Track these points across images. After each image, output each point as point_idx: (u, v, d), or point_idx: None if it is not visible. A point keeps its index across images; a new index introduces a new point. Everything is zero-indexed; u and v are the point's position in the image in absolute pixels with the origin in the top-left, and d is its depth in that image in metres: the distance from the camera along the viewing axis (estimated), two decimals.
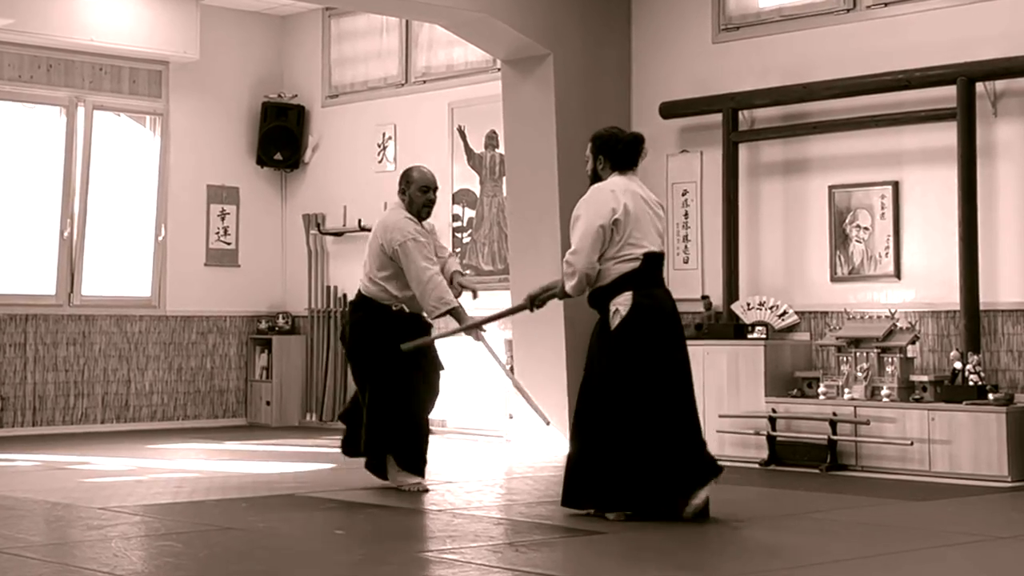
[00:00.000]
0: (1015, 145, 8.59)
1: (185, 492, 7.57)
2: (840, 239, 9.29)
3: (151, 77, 12.21)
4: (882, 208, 9.11)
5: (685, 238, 10.10)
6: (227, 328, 12.60)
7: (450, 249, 8.35)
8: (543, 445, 9.70)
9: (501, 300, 9.69)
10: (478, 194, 11.29)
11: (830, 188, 9.36)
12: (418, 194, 7.56)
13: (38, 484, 8.10)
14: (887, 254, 9.08)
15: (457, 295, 7.54)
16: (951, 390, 8.31)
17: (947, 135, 8.72)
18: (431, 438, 7.70)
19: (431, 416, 7.66)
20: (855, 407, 8.57)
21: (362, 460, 7.70)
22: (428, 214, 7.64)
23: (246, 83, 12.74)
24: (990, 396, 8.17)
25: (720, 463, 6.59)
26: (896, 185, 9.07)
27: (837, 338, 8.92)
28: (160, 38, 11.92)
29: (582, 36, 10.18)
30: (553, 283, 6.90)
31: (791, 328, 9.39)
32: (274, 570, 5.36)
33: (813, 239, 9.45)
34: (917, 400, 8.46)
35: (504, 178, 10.76)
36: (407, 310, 7.47)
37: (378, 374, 7.46)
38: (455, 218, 11.34)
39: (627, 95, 10.41)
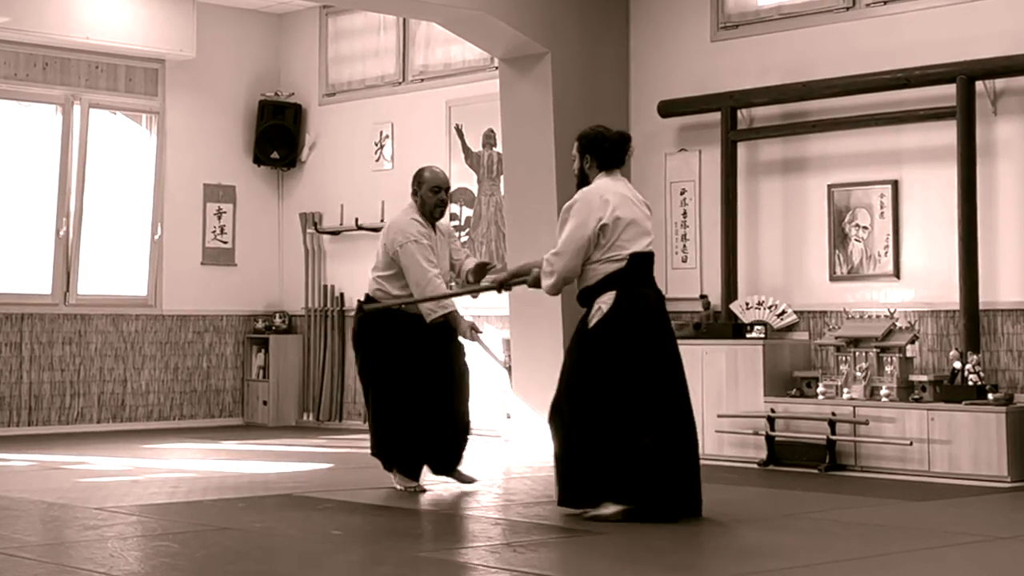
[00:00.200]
0: (1015, 144, 8.57)
1: (182, 492, 7.55)
2: (839, 238, 9.27)
3: (147, 75, 12.18)
4: (881, 207, 9.09)
5: (683, 237, 10.07)
6: (224, 327, 12.57)
7: (467, 251, 8.29)
8: (542, 445, 9.67)
9: (500, 299, 9.64)
10: (476, 193, 11.27)
11: (829, 187, 9.34)
12: (430, 195, 7.50)
13: (34, 484, 8.09)
14: (886, 253, 9.06)
15: (464, 280, 7.47)
16: (950, 390, 8.29)
17: (947, 134, 8.70)
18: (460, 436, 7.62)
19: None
20: (854, 407, 8.55)
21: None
22: (441, 215, 7.57)
23: (243, 81, 12.72)
24: (990, 396, 8.15)
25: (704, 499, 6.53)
26: (895, 184, 9.05)
27: (836, 338, 8.90)
28: (156, 36, 11.89)
29: (580, 34, 10.16)
30: (524, 268, 7.00)
31: (790, 328, 9.37)
32: (271, 570, 5.33)
33: (812, 238, 9.43)
34: (916, 400, 8.44)
35: (502, 177, 10.74)
36: (406, 310, 7.42)
37: (378, 375, 7.44)
38: (453, 217, 11.31)
39: (625, 94, 10.39)
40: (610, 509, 6.39)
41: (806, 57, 9.45)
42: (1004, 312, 8.56)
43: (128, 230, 12.16)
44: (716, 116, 9.74)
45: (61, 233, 11.68)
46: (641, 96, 10.32)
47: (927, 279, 8.89)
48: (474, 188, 11.27)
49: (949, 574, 5.44)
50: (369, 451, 7.64)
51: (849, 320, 8.99)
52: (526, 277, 6.87)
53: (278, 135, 12.61)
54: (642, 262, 6.55)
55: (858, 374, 8.70)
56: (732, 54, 9.86)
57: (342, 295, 12.30)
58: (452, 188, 11.20)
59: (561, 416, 6.54)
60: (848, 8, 9.30)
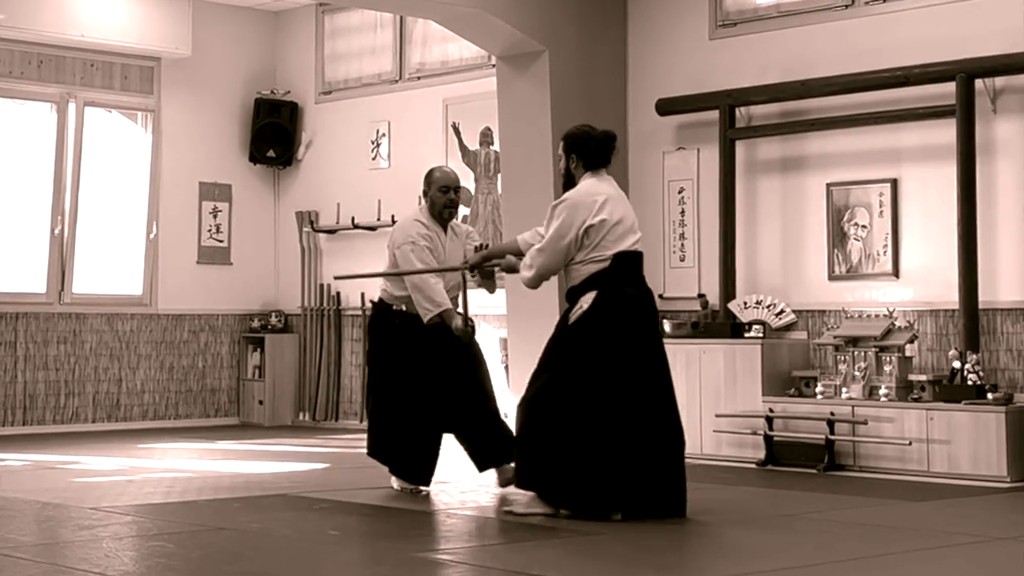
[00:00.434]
0: (1015, 142, 8.55)
1: (177, 492, 7.53)
2: (838, 237, 9.25)
3: (143, 73, 12.15)
4: (880, 206, 9.07)
5: (681, 236, 10.05)
6: (219, 326, 12.54)
7: None
8: None
9: (498, 298, 9.60)
10: (472, 191, 11.23)
11: (828, 186, 9.31)
12: (439, 195, 7.43)
13: (28, 484, 8.06)
14: (885, 252, 9.03)
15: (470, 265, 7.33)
16: (950, 390, 8.27)
17: (946, 132, 8.68)
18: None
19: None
20: (853, 407, 8.53)
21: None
22: (451, 215, 7.46)
23: (239, 79, 12.68)
24: (989, 396, 8.13)
25: (688, 506, 6.50)
26: (895, 183, 9.02)
27: (835, 337, 8.87)
28: (152, 34, 11.86)
29: (578, 32, 10.13)
30: (498, 251, 7.05)
31: (788, 327, 9.34)
32: (267, 571, 5.32)
33: (811, 237, 9.40)
34: (915, 400, 8.42)
35: (499, 175, 10.71)
36: (406, 310, 7.38)
37: (378, 376, 7.43)
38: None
39: (623, 92, 10.37)
40: (538, 509, 6.44)
41: (805, 55, 9.42)
42: (1004, 311, 8.54)
43: (123, 229, 12.13)
44: (714, 114, 9.71)
45: (56, 232, 11.64)
46: (639, 94, 10.29)
47: (926, 278, 8.87)
48: (471, 186, 11.24)
49: (948, 574, 5.41)
50: (365, 451, 7.61)
51: (848, 319, 8.96)
52: (500, 261, 6.95)
53: (274, 133, 12.58)
54: (627, 261, 6.54)
55: (857, 374, 8.68)
56: (730, 52, 9.83)
57: (338, 294, 12.27)
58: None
59: (526, 405, 6.55)
60: (847, 6, 9.27)
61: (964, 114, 8.52)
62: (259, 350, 12.49)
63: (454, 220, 7.54)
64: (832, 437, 8.52)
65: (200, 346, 12.42)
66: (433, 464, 7.41)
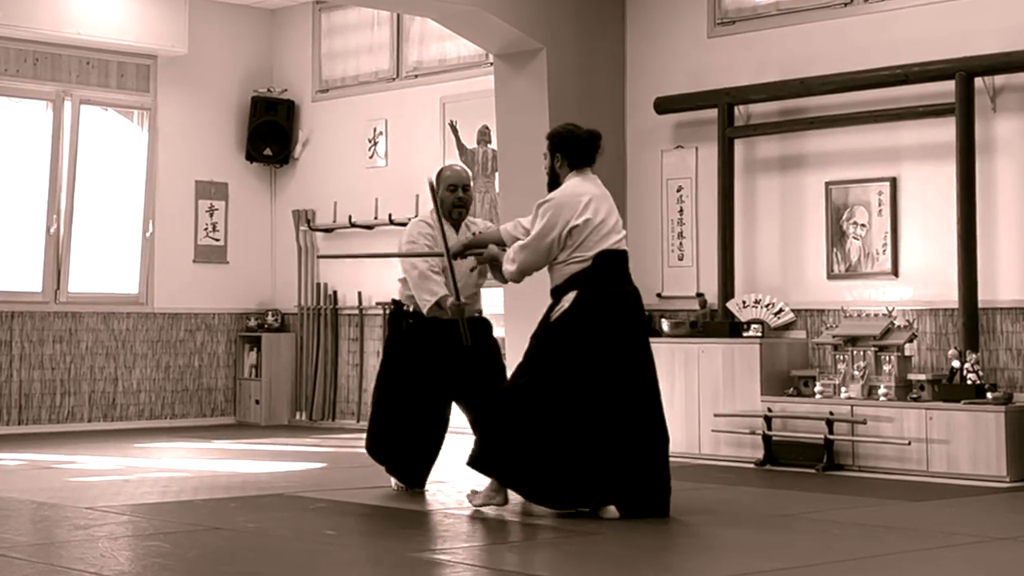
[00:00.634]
0: (1014, 141, 8.53)
1: (173, 492, 7.51)
2: (837, 236, 9.23)
3: (139, 71, 12.12)
4: (879, 205, 9.05)
5: (680, 235, 10.02)
6: (216, 326, 12.51)
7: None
8: None
9: (495, 297, 9.59)
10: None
11: (827, 184, 9.29)
12: (447, 193, 7.35)
13: (24, 483, 8.04)
14: (884, 251, 9.01)
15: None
16: (949, 389, 8.25)
17: (945, 131, 8.66)
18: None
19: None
20: (852, 406, 8.51)
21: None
22: (460, 214, 7.36)
23: (235, 77, 12.66)
24: (989, 395, 8.12)
25: (671, 507, 6.48)
26: (894, 181, 9.00)
27: (834, 336, 8.86)
28: (148, 32, 11.83)
29: (576, 30, 10.11)
30: (480, 240, 7.05)
31: (787, 326, 9.33)
32: (263, 571, 5.29)
33: (809, 236, 9.38)
34: (915, 399, 8.40)
35: (496, 174, 10.69)
36: (415, 310, 7.34)
37: (386, 374, 7.44)
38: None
39: (621, 90, 10.34)
40: (495, 498, 6.58)
41: (803, 53, 9.40)
42: (1003, 311, 8.52)
43: (119, 227, 12.10)
44: (713, 113, 9.69)
45: (52, 230, 11.61)
46: (637, 92, 10.27)
47: (926, 277, 8.85)
48: None
49: (947, 575, 5.40)
50: (364, 447, 7.59)
51: (847, 319, 8.94)
52: (481, 251, 6.97)
53: (271, 131, 12.55)
54: (609, 260, 6.54)
55: (856, 373, 8.66)
56: (729, 50, 9.81)
57: (335, 293, 12.25)
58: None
59: (500, 395, 6.58)
60: (846, 4, 9.25)
61: (963, 112, 8.50)
62: (255, 349, 12.47)
63: (469, 217, 7.46)
64: (831, 437, 8.50)
65: (196, 345, 12.39)
66: (428, 467, 7.39)
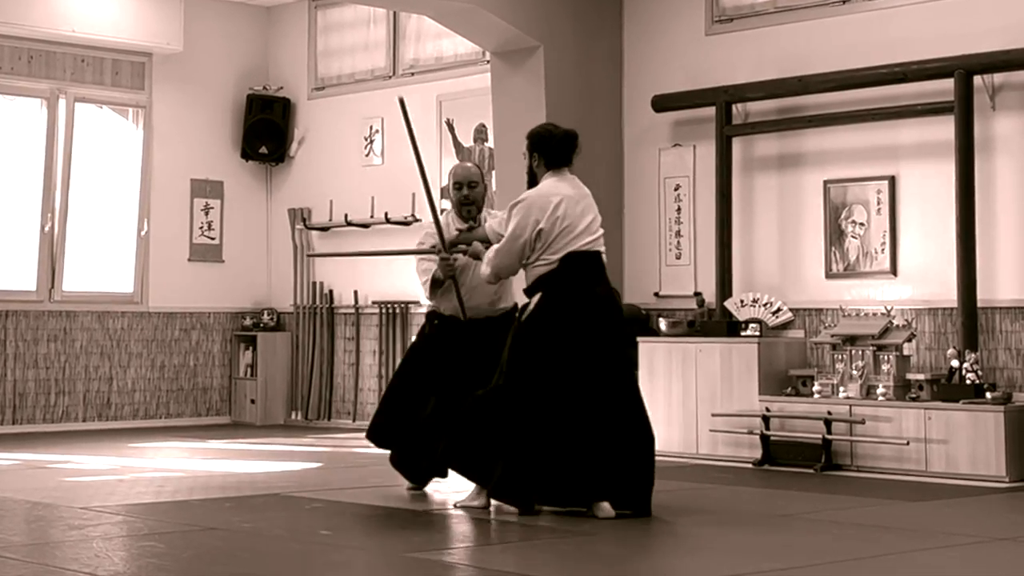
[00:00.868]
0: (1013, 139, 8.51)
1: (168, 491, 7.50)
2: (835, 235, 9.20)
3: (134, 69, 12.08)
4: (878, 203, 9.03)
5: (677, 234, 10.00)
6: (211, 325, 12.48)
7: None
8: None
9: None
10: None
11: (825, 183, 9.27)
12: (453, 192, 7.33)
13: (18, 483, 8.02)
14: (883, 250, 8.99)
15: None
16: (948, 389, 8.23)
17: (944, 129, 8.64)
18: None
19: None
20: (850, 406, 8.49)
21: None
22: (468, 213, 7.28)
23: (231, 75, 12.62)
24: (988, 395, 8.11)
25: (652, 504, 6.47)
26: (892, 180, 8.99)
27: (832, 336, 8.84)
28: (143, 29, 11.80)
29: (573, 28, 10.09)
30: (467, 237, 7.06)
31: (785, 325, 9.31)
32: (259, 571, 5.28)
33: (808, 235, 9.36)
34: (913, 399, 8.39)
35: (493, 172, 10.66)
36: (442, 312, 7.32)
37: (403, 366, 7.53)
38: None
39: (619, 88, 10.32)
40: (476, 500, 6.59)
41: (802, 51, 9.38)
42: (1002, 310, 8.50)
43: (114, 226, 12.08)
44: (711, 111, 9.67)
45: (46, 229, 11.58)
46: (634, 90, 10.25)
47: (924, 276, 8.83)
48: None
49: (946, 575, 5.38)
50: (365, 434, 7.60)
51: (845, 318, 8.92)
52: (466, 248, 7.01)
53: (266, 130, 12.53)
54: (579, 261, 6.52)
55: (854, 373, 8.63)
56: (727, 48, 9.79)
57: (331, 292, 12.22)
58: (443, 183, 11.15)
59: (475, 400, 6.60)
60: (844, 1, 9.23)
61: (963, 110, 8.48)
62: (251, 348, 12.44)
63: (488, 210, 7.43)
64: (829, 437, 8.47)
65: (191, 344, 12.36)
66: (433, 467, 7.32)
